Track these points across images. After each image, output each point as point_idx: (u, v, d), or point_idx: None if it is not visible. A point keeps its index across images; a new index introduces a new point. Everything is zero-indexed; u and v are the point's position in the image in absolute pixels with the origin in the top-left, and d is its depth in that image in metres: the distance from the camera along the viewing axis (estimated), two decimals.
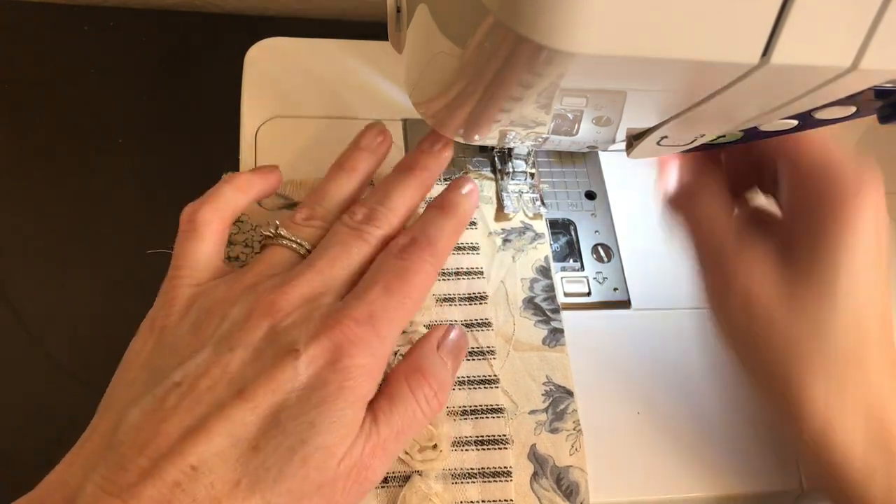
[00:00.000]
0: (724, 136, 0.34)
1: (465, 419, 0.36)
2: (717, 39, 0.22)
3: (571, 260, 0.42)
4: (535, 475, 0.35)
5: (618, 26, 0.21)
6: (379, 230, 0.33)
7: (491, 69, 0.26)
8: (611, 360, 0.39)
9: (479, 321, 0.38)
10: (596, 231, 0.43)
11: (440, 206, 0.35)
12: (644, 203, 0.45)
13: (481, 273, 0.39)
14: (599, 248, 0.43)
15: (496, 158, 0.43)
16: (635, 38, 0.21)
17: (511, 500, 0.34)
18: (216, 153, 0.41)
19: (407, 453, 0.34)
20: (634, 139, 0.33)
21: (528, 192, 0.43)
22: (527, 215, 0.42)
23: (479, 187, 0.41)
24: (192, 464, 0.26)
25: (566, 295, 0.41)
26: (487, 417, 0.36)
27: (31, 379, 0.43)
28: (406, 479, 0.34)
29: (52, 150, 0.50)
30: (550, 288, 0.40)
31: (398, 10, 0.34)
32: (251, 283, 0.32)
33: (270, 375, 0.28)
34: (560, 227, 0.43)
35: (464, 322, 0.38)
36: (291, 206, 0.40)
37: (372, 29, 0.46)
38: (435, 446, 0.35)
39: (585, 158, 0.45)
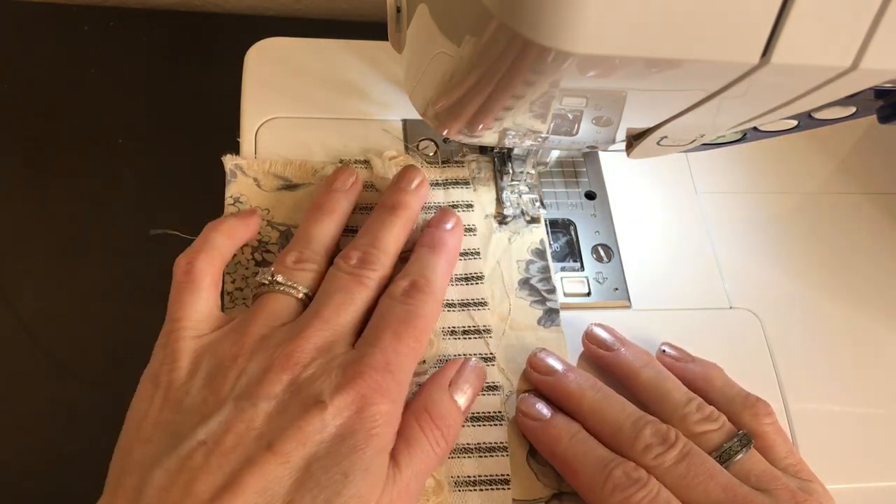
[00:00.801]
0: (724, 136, 0.35)
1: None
2: (717, 39, 0.22)
3: (571, 260, 0.42)
4: (530, 452, 0.36)
5: (618, 26, 0.21)
6: (375, 272, 0.34)
7: (491, 69, 0.26)
8: None
9: (475, 301, 0.39)
10: (596, 231, 0.43)
11: (430, 245, 0.36)
12: (644, 203, 0.45)
13: (477, 254, 0.40)
14: (599, 248, 0.43)
15: (496, 158, 0.43)
16: (635, 38, 0.21)
17: (507, 475, 0.35)
18: (216, 153, 0.41)
19: None
20: (634, 139, 0.33)
21: (527, 193, 0.43)
22: (526, 216, 0.42)
23: (478, 169, 0.42)
24: None
25: (566, 295, 0.41)
26: (483, 395, 0.36)
27: (31, 379, 0.43)
28: None
29: (52, 150, 0.50)
30: (546, 269, 0.40)
31: (398, 10, 0.34)
32: (259, 334, 0.32)
33: (299, 427, 0.28)
34: (560, 227, 0.43)
35: (459, 301, 0.39)
36: (290, 187, 0.41)
37: (372, 29, 0.46)
38: None
39: (585, 158, 0.45)
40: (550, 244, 0.42)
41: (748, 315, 0.41)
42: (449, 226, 0.38)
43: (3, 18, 0.54)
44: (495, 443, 0.35)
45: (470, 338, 0.38)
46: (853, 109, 0.32)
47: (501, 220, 0.42)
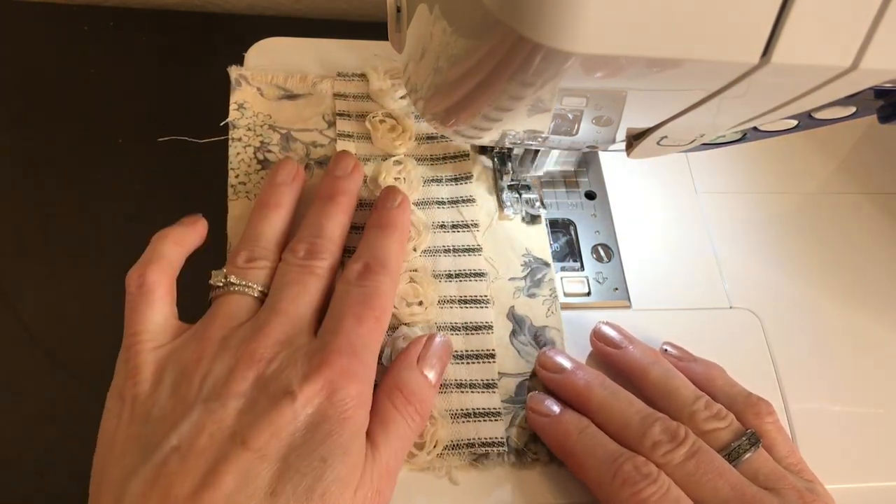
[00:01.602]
0: (724, 136, 0.35)
1: (451, 281, 0.39)
2: (717, 39, 0.22)
3: (571, 260, 0.42)
4: (513, 332, 0.38)
5: (618, 26, 0.21)
6: (324, 261, 0.35)
7: (491, 69, 0.26)
8: None
9: (464, 198, 0.42)
10: (596, 231, 0.43)
11: (379, 226, 0.37)
12: (644, 203, 0.45)
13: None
14: (599, 248, 0.43)
15: (496, 158, 0.43)
16: (635, 38, 0.21)
17: (492, 350, 0.37)
18: (216, 153, 0.41)
19: (396, 307, 0.37)
20: (634, 139, 0.33)
21: (527, 193, 0.43)
22: (526, 216, 0.42)
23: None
24: None
25: (566, 295, 0.41)
26: (470, 280, 0.39)
27: (31, 379, 0.42)
28: (394, 329, 0.37)
29: (52, 150, 0.50)
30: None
31: (398, 10, 0.34)
32: (219, 336, 0.32)
33: (270, 421, 0.28)
34: (560, 227, 0.43)
35: (448, 199, 0.41)
36: (290, 96, 0.44)
37: (372, 29, 0.46)
38: (421, 303, 0.38)
39: (585, 158, 0.45)
40: (551, 244, 0.42)
41: (748, 315, 0.41)
42: (396, 203, 0.38)
43: (3, 18, 0.54)
44: (481, 322, 0.38)
45: (458, 231, 0.41)
46: (853, 109, 0.32)
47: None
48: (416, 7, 0.30)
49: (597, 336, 0.38)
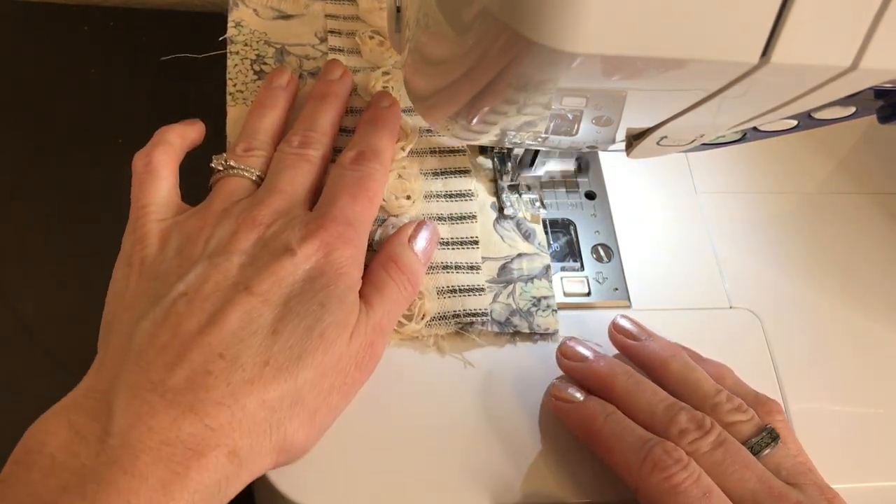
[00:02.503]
0: (724, 135, 0.35)
1: (437, 178, 0.42)
2: (717, 39, 0.22)
3: (571, 260, 0.42)
4: (497, 220, 0.41)
5: (618, 26, 0.21)
6: (317, 151, 0.38)
7: (491, 69, 0.26)
8: None
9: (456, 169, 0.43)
10: (596, 231, 0.43)
11: (372, 120, 0.39)
12: (644, 203, 0.45)
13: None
14: (599, 248, 0.43)
15: (496, 159, 0.43)
16: (635, 38, 0.21)
17: (476, 237, 0.40)
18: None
19: (385, 200, 0.39)
20: (634, 139, 0.33)
21: (527, 193, 0.43)
22: (526, 216, 0.42)
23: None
24: (220, 352, 0.29)
25: (566, 295, 0.41)
26: (456, 177, 0.42)
27: (31, 379, 0.42)
28: (382, 222, 0.39)
29: (52, 150, 0.50)
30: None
31: (398, 10, 0.34)
32: (221, 208, 0.34)
33: (272, 272, 0.31)
34: (560, 227, 0.43)
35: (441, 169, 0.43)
36: (284, 17, 0.47)
37: None
38: (408, 197, 0.40)
39: (585, 158, 0.45)
40: (550, 244, 0.42)
41: (748, 315, 0.41)
42: (387, 103, 0.40)
43: (3, 18, 0.54)
44: (466, 213, 0.41)
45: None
46: (853, 109, 0.32)
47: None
48: (416, 7, 0.30)
49: (616, 329, 0.38)
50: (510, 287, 0.39)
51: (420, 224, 0.38)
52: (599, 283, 0.41)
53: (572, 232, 0.43)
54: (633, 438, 0.32)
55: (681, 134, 0.31)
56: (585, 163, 0.45)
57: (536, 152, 0.42)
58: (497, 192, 0.43)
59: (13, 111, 0.51)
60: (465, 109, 0.31)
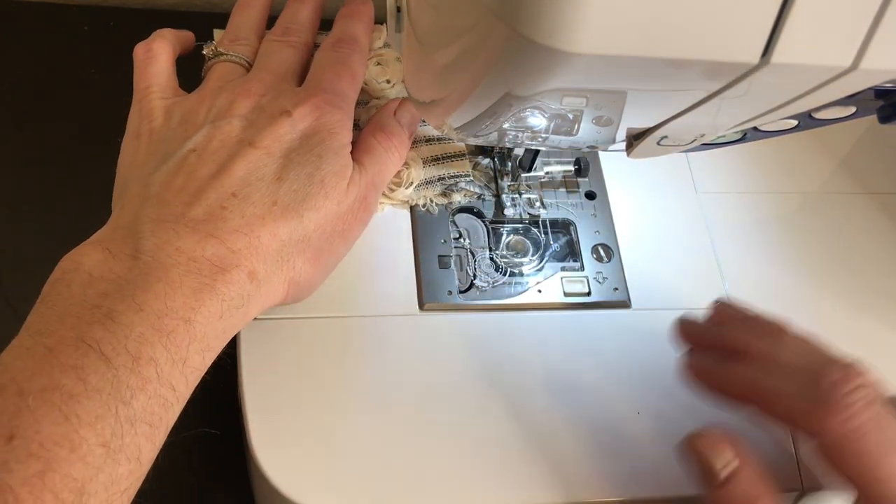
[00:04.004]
0: (723, 135, 0.35)
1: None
2: (717, 39, 0.22)
3: (571, 260, 0.42)
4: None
5: (618, 26, 0.21)
6: (299, 39, 0.40)
7: (491, 69, 0.26)
8: (611, 360, 0.39)
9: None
10: (596, 231, 0.43)
11: (349, 14, 0.41)
12: (644, 203, 0.45)
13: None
14: (599, 248, 0.43)
15: (496, 158, 0.43)
16: (635, 38, 0.21)
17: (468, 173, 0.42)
18: None
19: (366, 83, 0.42)
20: (634, 139, 0.33)
21: (527, 193, 0.43)
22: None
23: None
24: (232, 192, 0.32)
25: (566, 295, 0.41)
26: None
27: None
28: (365, 104, 0.42)
29: (52, 150, 0.50)
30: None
31: (398, 10, 0.34)
32: (217, 87, 0.37)
33: (271, 129, 0.34)
34: (560, 227, 0.43)
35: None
36: None
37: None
38: (388, 81, 0.44)
39: (585, 158, 0.45)
40: (550, 244, 0.42)
41: None
42: (360, 1, 0.42)
43: (3, 18, 0.54)
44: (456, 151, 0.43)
45: None
46: (853, 109, 0.32)
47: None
48: (416, 7, 0.30)
49: (720, 305, 0.38)
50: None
51: (404, 100, 0.41)
52: (599, 283, 0.41)
53: (572, 232, 0.43)
54: (796, 385, 0.31)
55: (681, 134, 0.31)
56: (586, 163, 0.45)
57: (536, 153, 0.42)
58: (497, 192, 0.43)
59: (13, 111, 0.51)
60: (465, 109, 0.31)
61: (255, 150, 0.33)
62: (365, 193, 0.36)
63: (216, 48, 0.40)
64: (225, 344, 0.31)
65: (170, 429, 0.29)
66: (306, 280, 0.34)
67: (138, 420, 0.26)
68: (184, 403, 0.29)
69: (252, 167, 0.33)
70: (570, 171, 0.45)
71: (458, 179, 0.42)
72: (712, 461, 0.32)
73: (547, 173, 0.44)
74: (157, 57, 0.38)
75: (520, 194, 0.43)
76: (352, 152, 0.36)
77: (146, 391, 0.27)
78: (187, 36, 0.41)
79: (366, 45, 0.41)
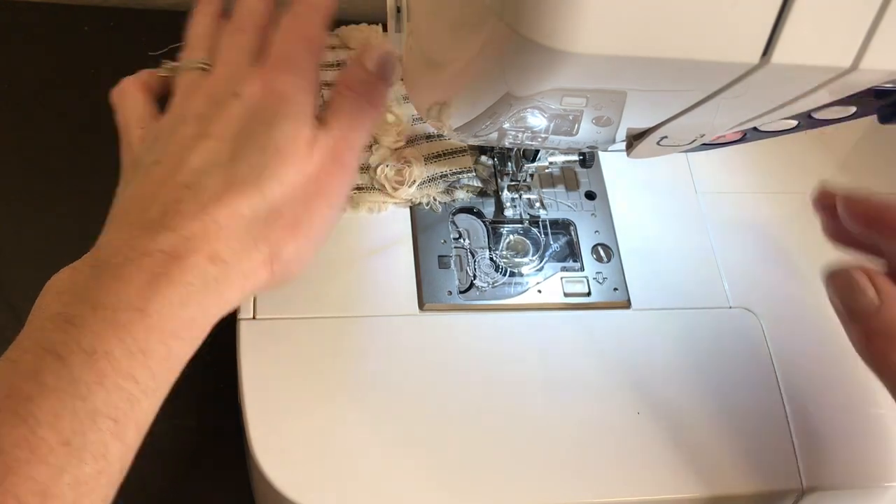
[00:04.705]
0: (723, 135, 0.35)
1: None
2: (717, 39, 0.22)
3: (571, 260, 0.42)
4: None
5: (618, 26, 0.21)
6: (251, 22, 0.38)
7: (491, 69, 0.26)
8: (611, 360, 0.39)
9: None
10: (596, 231, 0.43)
11: None
12: (644, 203, 0.45)
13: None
14: (599, 248, 0.43)
15: (496, 158, 0.43)
16: (635, 38, 0.21)
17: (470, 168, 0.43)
18: None
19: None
20: (634, 139, 0.33)
21: (527, 193, 0.43)
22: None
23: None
24: (186, 185, 0.32)
25: (566, 295, 0.41)
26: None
27: None
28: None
29: (52, 150, 0.50)
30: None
31: (398, 10, 0.34)
32: (180, 98, 0.37)
33: (221, 115, 0.34)
34: (560, 227, 0.43)
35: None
36: None
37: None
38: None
39: (585, 158, 0.45)
40: (550, 244, 0.42)
41: (748, 315, 0.41)
42: None
43: (3, 18, 0.54)
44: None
45: None
46: (853, 109, 0.32)
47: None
48: (416, 7, 0.30)
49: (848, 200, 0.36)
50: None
51: (369, 46, 0.39)
52: (599, 283, 0.41)
53: (572, 232, 0.43)
54: None
55: (681, 134, 0.31)
56: (590, 154, 0.44)
57: (536, 151, 0.42)
58: (497, 192, 0.43)
59: (13, 111, 0.51)
60: (465, 109, 0.31)
61: (208, 140, 0.33)
62: (336, 152, 0.35)
63: (172, 66, 0.39)
64: (202, 333, 0.30)
65: (144, 426, 0.28)
66: (291, 254, 0.33)
67: (100, 415, 0.26)
68: (156, 398, 0.29)
69: (206, 156, 0.33)
70: (575, 160, 0.45)
71: (459, 176, 0.42)
72: (859, 292, 0.32)
73: (551, 163, 0.44)
74: (128, 94, 0.39)
75: (520, 194, 0.43)
76: (321, 114, 0.35)
77: (104, 385, 0.26)
78: (151, 73, 0.41)
79: (323, 5, 0.39)
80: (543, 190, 0.44)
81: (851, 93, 0.25)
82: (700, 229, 0.44)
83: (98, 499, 0.26)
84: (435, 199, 0.42)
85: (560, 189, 0.44)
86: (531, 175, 0.43)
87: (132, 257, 0.29)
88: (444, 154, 0.42)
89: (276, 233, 0.32)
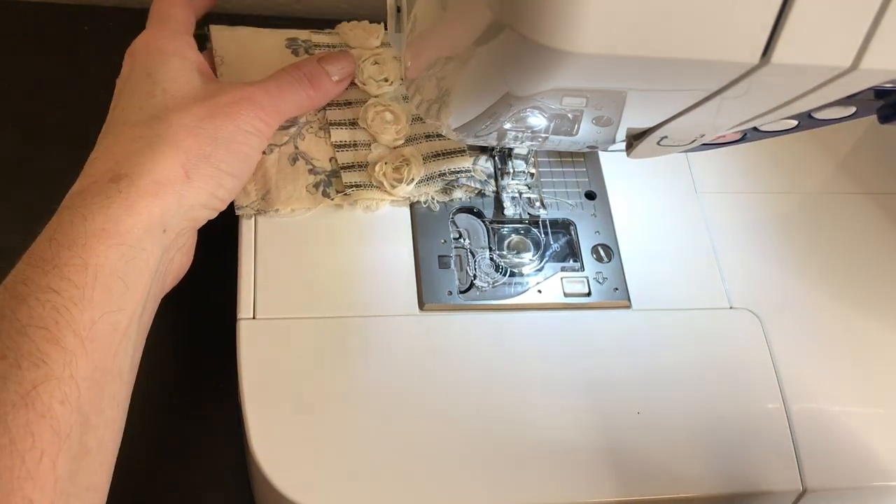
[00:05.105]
0: (723, 135, 0.35)
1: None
2: (717, 39, 0.22)
3: (571, 260, 0.42)
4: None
5: (618, 26, 0.21)
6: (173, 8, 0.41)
7: (491, 69, 0.26)
8: (611, 360, 0.39)
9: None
10: (596, 231, 0.43)
11: None
12: (644, 203, 0.45)
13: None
14: (599, 248, 0.43)
15: (496, 158, 0.43)
16: (635, 38, 0.22)
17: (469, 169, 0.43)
18: None
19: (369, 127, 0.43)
20: (634, 139, 0.33)
21: (527, 193, 0.43)
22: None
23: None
24: (96, 154, 0.36)
25: (566, 295, 0.41)
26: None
27: None
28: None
29: (52, 151, 0.50)
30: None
31: (398, 10, 0.34)
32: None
33: (115, 91, 0.39)
34: (560, 228, 0.43)
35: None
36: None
37: None
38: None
39: (585, 158, 0.45)
40: (550, 244, 0.42)
41: (748, 315, 0.41)
42: None
43: (3, 18, 0.54)
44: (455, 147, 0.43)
45: None
46: (853, 109, 0.32)
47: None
48: (416, 7, 0.30)
49: None
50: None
51: (331, 53, 0.42)
52: (599, 283, 0.41)
53: (572, 232, 0.43)
54: None
55: (681, 134, 0.31)
56: (584, 161, 0.45)
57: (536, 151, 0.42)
58: (497, 192, 0.43)
59: (13, 111, 0.51)
60: (465, 109, 0.31)
61: (111, 109, 0.38)
62: (245, 94, 0.37)
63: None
64: (123, 240, 0.32)
65: (87, 333, 0.30)
66: (206, 151, 0.35)
67: (30, 327, 0.28)
68: (91, 305, 0.30)
69: (108, 121, 0.37)
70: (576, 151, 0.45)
71: (458, 175, 0.42)
72: None
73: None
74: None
75: (520, 194, 0.43)
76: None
77: (27, 302, 0.29)
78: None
79: None
80: (543, 190, 0.44)
81: (851, 93, 0.25)
82: (700, 229, 0.44)
83: (52, 400, 0.28)
84: (433, 198, 0.42)
85: (560, 189, 0.44)
86: (531, 175, 0.43)
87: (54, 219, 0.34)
88: (444, 153, 0.42)
89: (176, 135, 0.35)
